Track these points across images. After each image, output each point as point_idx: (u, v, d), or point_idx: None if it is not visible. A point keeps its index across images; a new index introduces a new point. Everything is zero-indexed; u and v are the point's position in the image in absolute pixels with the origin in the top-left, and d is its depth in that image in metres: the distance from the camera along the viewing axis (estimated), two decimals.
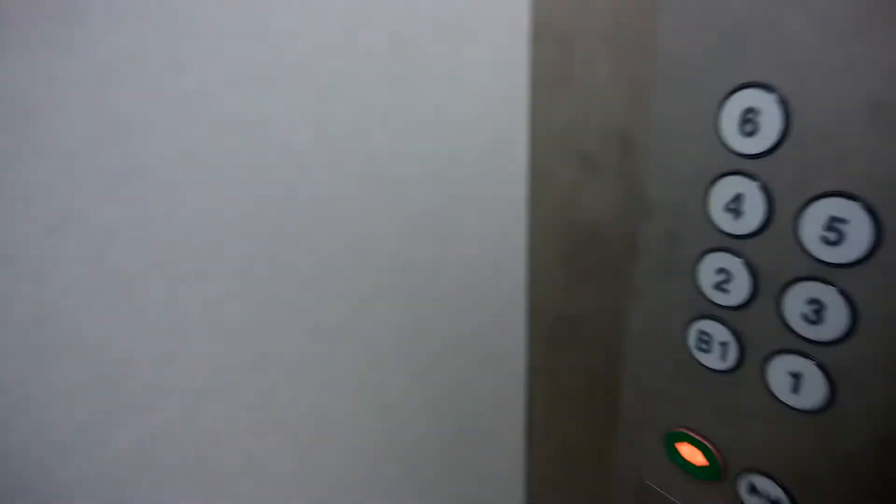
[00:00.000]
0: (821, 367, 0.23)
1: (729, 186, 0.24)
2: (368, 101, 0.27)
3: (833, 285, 0.22)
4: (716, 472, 0.29)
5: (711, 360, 0.27)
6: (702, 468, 0.30)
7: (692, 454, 0.30)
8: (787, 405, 0.25)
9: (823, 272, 0.22)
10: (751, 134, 0.23)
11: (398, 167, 0.30)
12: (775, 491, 0.27)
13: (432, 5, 0.28)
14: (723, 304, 0.26)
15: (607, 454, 0.38)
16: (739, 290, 0.25)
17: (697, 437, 0.29)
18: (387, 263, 0.31)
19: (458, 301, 0.36)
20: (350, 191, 0.28)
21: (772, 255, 0.24)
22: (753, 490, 0.28)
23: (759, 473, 0.27)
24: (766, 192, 0.23)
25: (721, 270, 0.26)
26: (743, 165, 0.23)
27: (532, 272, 0.38)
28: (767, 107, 0.22)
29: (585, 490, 0.41)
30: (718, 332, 0.27)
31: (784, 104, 0.21)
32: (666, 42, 0.25)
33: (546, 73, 0.32)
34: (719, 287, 0.26)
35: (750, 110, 0.22)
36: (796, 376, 0.24)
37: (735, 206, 0.24)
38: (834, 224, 0.21)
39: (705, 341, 0.27)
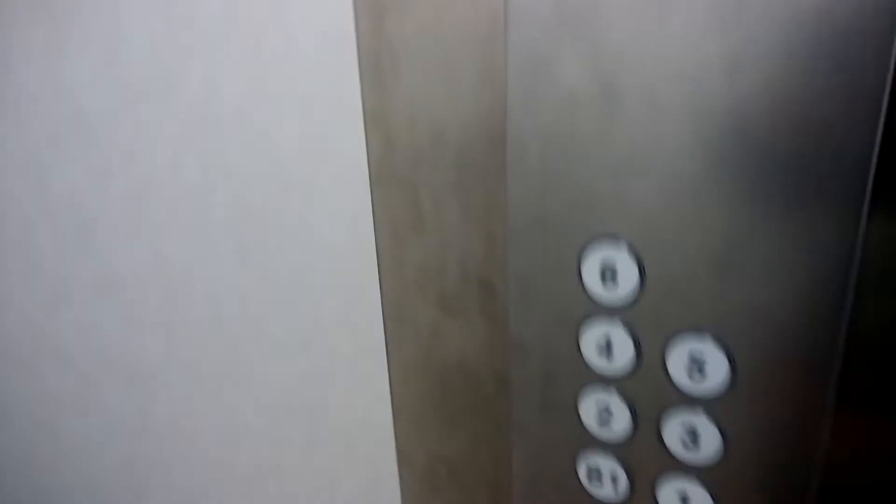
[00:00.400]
0: (704, 485, 0.25)
1: (596, 330, 0.26)
2: (219, 277, 0.25)
3: (702, 414, 0.24)
4: None
5: (605, 493, 0.28)
6: None
7: None
8: None
9: (693, 403, 0.24)
10: (611, 282, 0.25)
11: (251, 333, 0.27)
12: None
13: (272, 163, 0.27)
14: (606, 438, 0.27)
15: None
16: (620, 423, 0.27)
17: None
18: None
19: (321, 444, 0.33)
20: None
21: (646, 391, 0.25)
22: None
23: None
24: (632, 334, 0.25)
25: (602, 407, 0.27)
26: (608, 311, 0.25)
27: (399, 416, 0.37)
28: (622, 259, 0.24)
29: None
30: (606, 464, 0.28)
31: (637, 257, 0.24)
32: (516, 197, 0.27)
33: (394, 218, 0.33)
34: (601, 422, 0.27)
35: (608, 262, 0.25)
36: (683, 498, 0.26)
37: (606, 348, 0.26)
38: (695, 360, 0.24)
39: (596, 476, 0.28)
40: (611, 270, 0.25)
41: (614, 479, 0.28)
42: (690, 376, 0.24)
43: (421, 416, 0.36)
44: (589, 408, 0.27)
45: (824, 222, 0.20)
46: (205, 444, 0.40)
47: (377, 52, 0.30)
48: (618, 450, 0.27)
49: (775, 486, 0.23)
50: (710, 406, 0.24)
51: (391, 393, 0.36)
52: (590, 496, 0.29)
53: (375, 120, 0.31)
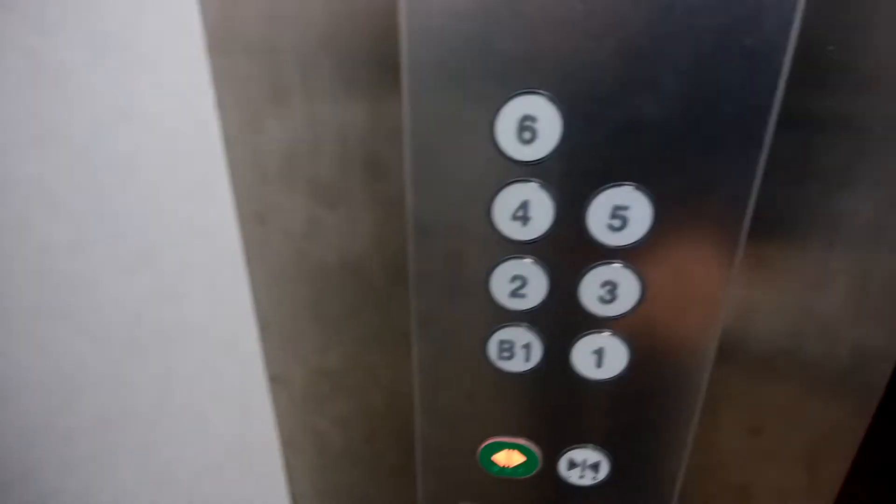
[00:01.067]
0: (619, 337, 0.26)
1: (512, 195, 0.24)
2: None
3: (622, 265, 0.24)
4: (534, 464, 0.30)
5: (516, 365, 0.28)
6: (520, 466, 0.30)
7: (508, 458, 0.30)
8: (594, 379, 0.27)
9: (613, 256, 0.24)
10: (529, 141, 0.23)
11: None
12: (593, 456, 0.29)
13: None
14: (521, 308, 0.26)
15: (408, 496, 0.35)
16: (536, 291, 0.26)
17: (512, 441, 0.30)
18: None
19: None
20: None
21: (565, 252, 0.25)
22: (573, 465, 0.30)
23: (575, 447, 0.29)
24: (551, 193, 0.24)
25: (516, 278, 0.26)
26: (525, 172, 0.24)
27: (268, 332, 0.32)
28: (544, 113, 0.22)
29: None
30: (519, 336, 0.27)
31: (559, 109, 0.22)
32: (414, 52, 0.23)
33: (244, 93, 0.26)
34: (515, 293, 0.26)
35: (527, 118, 0.22)
36: (598, 352, 0.27)
37: (522, 213, 0.24)
38: (617, 212, 0.23)
39: (507, 349, 0.27)
40: (530, 128, 0.23)
41: (527, 349, 0.27)
42: (612, 229, 0.24)
43: (295, 330, 0.31)
44: (501, 282, 0.26)
45: (739, 80, 0.21)
46: (33, 395, 0.30)
47: None
48: (533, 318, 0.26)
49: (688, 327, 0.25)
50: (631, 256, 0.24)
51: (255, 308, 0.30)
52: (501, 371, 0.28)
53: None
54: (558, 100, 0.22)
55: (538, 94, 0.22)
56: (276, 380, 0.32)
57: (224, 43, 0.25)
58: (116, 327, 0.30)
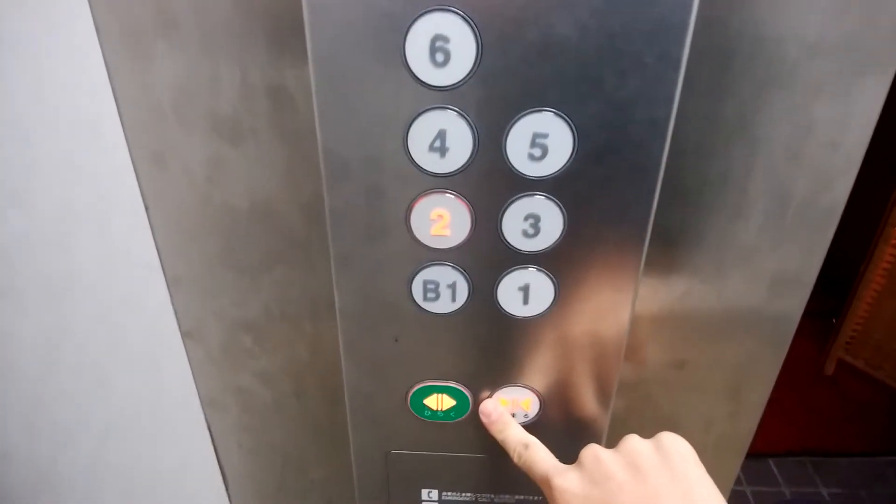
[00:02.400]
0: (544, 272, 0.25)
1: (429, 124, 0.23)
2: None
3: (544, 196, 0.23)
4: (465, 407, 0.30)
5: (442, 306, 0.27)
6: (451, 409, 0.30)
7: (439, 402, 0.30)
8: (521, 317, 0.26)
9: (535, 186, 0.23)
10: (443, 64, 0.21)
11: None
12: (523, 395, 0.29)
13: None
14: (443, 246, 0.25)
15: (340, 449, 0.34)
16: (459, 228, 0.25)
17: (442, 384, 0.29)
18: None
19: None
20: None
21: (485, 184, 0.24)
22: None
23: (505, 387, 0.29)
24: (469, 122, 0.22)
25: (437, 214, 0.24)
26: (441, 99, 0.22)
27: (177, 285, 0.30)
28: (457, 33, 0.21)
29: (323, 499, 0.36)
30: (444, 275, 0.26)
31: (473, 28, 0.21)
32: None
33: (127, 24, 0.23)
34: (437, 230, 0.25)
35: (440, 38, 0.21)
36: (524, 289, 0.26)
37: (440, 145, 0.23)
38: (538, 140, 0.22)
39: (432, 289, 0.26)
40: (443, 49, 0.21)
41: (452, 288, 0.26)
42: (532, 158, 0.23)
43: (208, 281, 0.29)
44: (423, 217, 0.25)
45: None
46: None
47: None
48: (455, 256, 0.25)
49: (612, 259, 0.24)
50: (553, 186, 0.23)
51: (160, 261, 0.28)
52: (426, 313, 0.27)
53: None
54: (472, 18, 0.20)
55: (450, 10, 0.20)
56: (190, 336, 0.30)
57: None
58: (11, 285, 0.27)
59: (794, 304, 0.27)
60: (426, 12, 0.21)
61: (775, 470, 1.23)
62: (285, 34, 0.23)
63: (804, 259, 0.26)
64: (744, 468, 0.35)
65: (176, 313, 0.29)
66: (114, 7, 0.23)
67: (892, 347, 1.32)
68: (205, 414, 0.32)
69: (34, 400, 0.25)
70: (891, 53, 0.22)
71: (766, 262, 0.26)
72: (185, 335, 0.30)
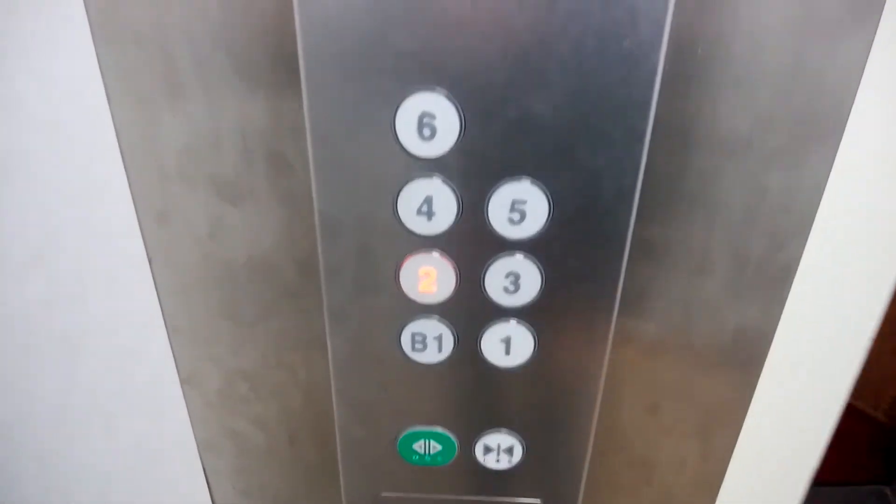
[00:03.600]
0: (524, 325, 0.27)
1: (417, 190, 0.25)
2: None
3: (524, 256, 0.25)
4: (451, 451, 0.31)
5: (429, 356, 0.28)
6: (437, 454, 0.31)
7: (426, 446, 0.31)
8: (503, 367, 0.28)
9: (515, 248, 0.25)
10: (430, 138, 0.23)
11: None
12: (507, 440, 0.30)
13: None
14: (430, 301, 0.27)
15: (331, 491, 0.35)
16: (445, 285, 0.26)
17: (429, 430, 0.30)
18: None
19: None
20: None
21: (469, 245, 0.25)
22: (488, 450, 0.31)
23: (489, 432, 0.30)
24: (453, 189, 0.24)
25: (424, 272, 0.26)
26: (427, 167, 0.24)
27: (177, 335, 0.31)
28: (441, 109, 0.23)
29: None
30: (431, 328, 0.28)
31: (456, 105, 0.23)
32: (307, 45, 0.23)
33: (135, 86, 0.25)
34: (424, 287, 0.27)
35: (426, 114, 0.23)
36: (506, 340, 0.28)
37: (427, 209, 0.25)
38: (516, 206, 0.24)
39: (420, 341, 0.28)
40: (430, 125, 0.23)
41: (439, 340, 0.28)
42: (512, 222, 0.25)
43: (206, 331, 0.30)
44: (411, 276, 0.26)
45: (619, 78, 0.22)
46: None
47: None
48: (442, 311, 0.27)
49: (587, 312, 0.26)
50: (531, 247, 0.25)
51: (162, 311, 0.30)
52: (414, 363, 0.29)
53: None
54: (455, 97, 0.23)
55: (435, 91, 0.23)
56: (189, 382, 0.31)
57: (111, 31, 0.24)
58: (10, 332, 0.28)
59: (758, 352, 0.29)
60: (415, 92, 0.23)
61: None
62: (285, 105, 0.25)
63: (765, 310, 0.28)
64: None
65: (175, 361, 0.30)
66: (124, 74, 0.25)
67: (873, 377, 1.34)
68: (201, 457, 0.33)
69: (46, 450, 0.26)
70: (836, 126, 0.25)
71: (730, 314, 0.28)
72: (184, 381, 0.31)
